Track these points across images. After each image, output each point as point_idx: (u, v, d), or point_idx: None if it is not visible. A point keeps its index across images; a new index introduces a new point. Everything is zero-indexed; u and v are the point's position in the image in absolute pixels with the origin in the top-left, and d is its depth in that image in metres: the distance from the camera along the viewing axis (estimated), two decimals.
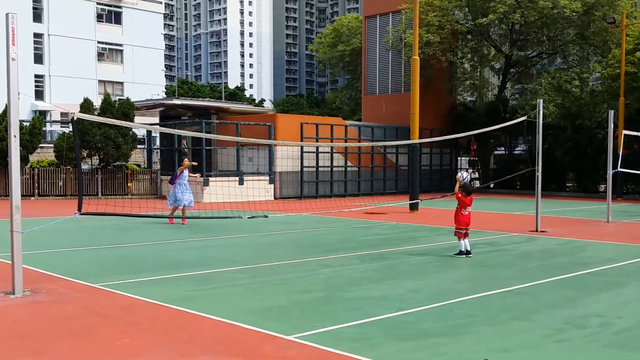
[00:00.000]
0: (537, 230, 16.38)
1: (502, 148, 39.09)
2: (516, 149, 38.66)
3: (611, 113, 19.53)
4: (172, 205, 18.00)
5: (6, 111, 8.30)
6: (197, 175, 20.11)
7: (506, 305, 8.09)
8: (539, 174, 16.70)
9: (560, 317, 7.46)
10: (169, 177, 28.63)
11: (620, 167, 20.66)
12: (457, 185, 12.16)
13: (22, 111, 48.28)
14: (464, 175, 12.18)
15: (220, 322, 7.04)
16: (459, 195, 12.06)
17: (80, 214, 8.91)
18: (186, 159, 18.85)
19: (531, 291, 8.96)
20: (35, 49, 56.02)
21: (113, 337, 6.44)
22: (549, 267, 11.11)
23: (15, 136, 8.08)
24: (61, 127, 50.16)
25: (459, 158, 39.35)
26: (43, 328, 6.81)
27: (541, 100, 17.03)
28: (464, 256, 11.87)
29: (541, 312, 7.69)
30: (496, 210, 24.11)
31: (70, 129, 29.20)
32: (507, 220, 20.14)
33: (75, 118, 8.58)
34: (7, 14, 7.96)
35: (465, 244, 11.99)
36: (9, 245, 8.38)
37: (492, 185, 36.33)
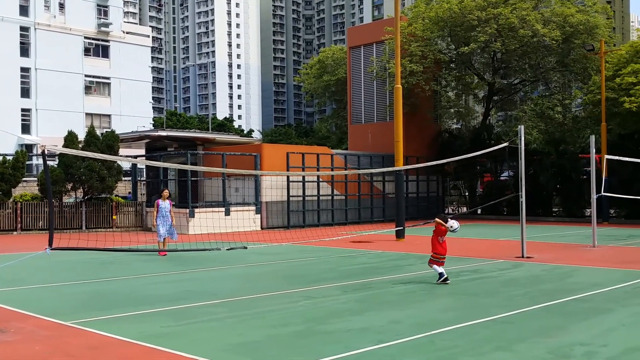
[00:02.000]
0: (523, 256, 16.23)
1: (488, 174, 39.15)
2: (502, 175, 38.73)
3: (592, 138, 19.56)
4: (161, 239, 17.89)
5: None
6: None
7: (489, 335, 7.89)
8: (523, 199, 16.60)
9: (545, 346, 7.26)
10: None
11: (604, 192, 20.62)
12: (438, 220, 12.13)
13: (8, 145, 48.06)
14: (454, 226, 12.04)
15: (194, 359, 6.80)
16: (440, 225, 12.02)
17: (51, 249, 8.67)
18: (165, 190, 18.71)
19: (516, 320, 8.78)
20: (22, 82, 55.96)
21: None
22: (535, 294, 10.93)
23: None
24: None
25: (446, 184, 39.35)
26: None
27: (522, 127, 17.01)
28: (448, 281, 11.84)
29: (525, 342, 7.49)
30: (482, 236, 23.97)
31: (56, 163, 28.96)
32: (492, 247, 19.99)
33: (44, 150, 8.39)
34: None
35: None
36: None
37: (479, 212, 36.28)
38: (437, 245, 12.03)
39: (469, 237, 23.44)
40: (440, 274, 11.90)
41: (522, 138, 16.71)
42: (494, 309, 9.45)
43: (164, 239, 17.73)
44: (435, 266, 12.01)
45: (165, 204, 17.89)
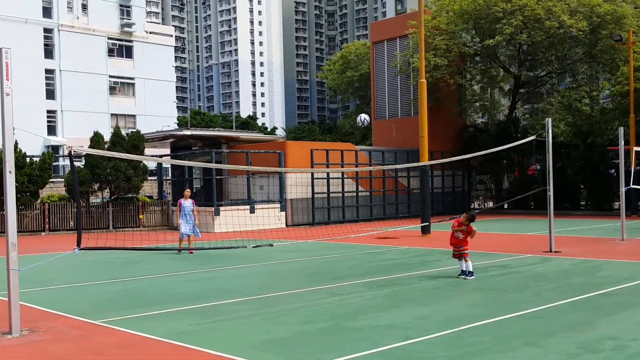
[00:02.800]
0: (551, 251, 16.05)
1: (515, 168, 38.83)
2: (529, 167, 38.33)
3: (621, 130, 19.26)
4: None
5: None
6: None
7: (518, 330, 7.82)
8: (551, 193, 16.41)
9: (574, 341, 7.18)
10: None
11: (633, 184, 20.30)
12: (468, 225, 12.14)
13: (34, 147, 48.66)
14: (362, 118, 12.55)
15: (222, 357, 6.82)
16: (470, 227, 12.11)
17: (80, 249, 8.76)
18: (187, 189, 18.79)
19: (544, 315, 8.68)
20: (47, 84, 56.65)
21: None
22: (563, 288, 10.81)
23: (10, 172, 7.93)
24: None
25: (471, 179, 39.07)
26: None
27: (550, 119, 16.80)
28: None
29: (554, 337, 7.41)
30: (509, 231, 23.75)
31: (82, 163, 29.29)
32: (520, 241, 19.79)
33: (71, 151, 8.47)
34: (0, 49, 7.91)
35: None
36: (6, 283, 8.21)
37: (506, 206, 35.96)
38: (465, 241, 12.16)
39: (496, 232, 23.26)
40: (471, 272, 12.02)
41: (550, 131, 16.52)
42: (522, 304, 9.36)
43: (188, 237, 17.82)
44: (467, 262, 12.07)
45: (187, 203, 17.96)
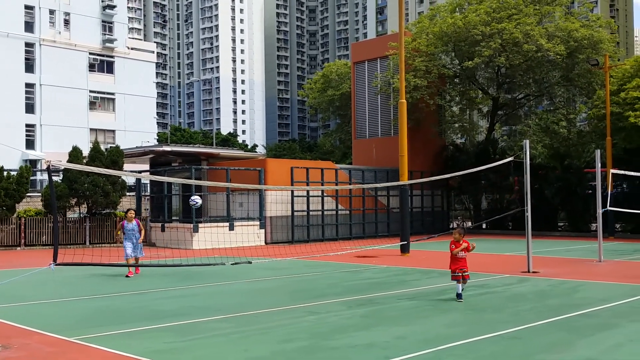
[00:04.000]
0: (529, 271, 16.13)
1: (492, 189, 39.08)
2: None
3: (598, 153, 19.51)
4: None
5: None
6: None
7: (496, 350, 7.83)
8: (529, 214, 16.53)
9: None
10: (160, 225, 28.57)
11: (610, 206, 20.52)
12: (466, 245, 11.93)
13: (12, 160, 48.12)
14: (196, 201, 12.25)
15: None
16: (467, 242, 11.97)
17: (56, 265, 8.65)
18: (131, 210, 17.55)
19: (523, 335, 8.70)
20: (27, 98, 56.25)
21: None
22: (541, 309, 10.85)
23: None
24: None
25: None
26: None
27: (527, 141, 16.97)
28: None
29: (532, 358, 7.43)
30: (487, 251, 23.83)
31: (60, 178, 28.99)
32: (498, 261, 19.88)
33: (49, 166, 8.38)
34: None
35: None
36: None
37: (484, 226, 36.16)
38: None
39: (474, 252, 23.28)
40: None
41: (528, 152, 16.67)
42: (500, 325, 9.38)
43: (136, 258, 16.82)
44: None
45: (130, 225, 16.79)
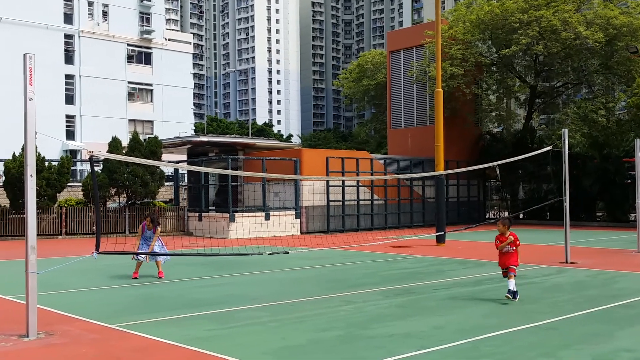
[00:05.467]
0: (566, 262, 15.98)
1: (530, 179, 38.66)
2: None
3: (637, 141, 19.15)
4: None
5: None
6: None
7: (534, 341, 7.79)
8: (567, 203, 16.35)
9: (589, 353, 7.16)
10: (197, 215, 28.91)
11: None
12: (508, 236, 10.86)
13: (52, 151, 49.07)
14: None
15: None
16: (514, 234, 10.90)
17: (98, 253, 8.86)
18: (148, 219, 14.68)
19: (560, 326, 8.66)
20: (67, 89, 57.27)
21: None
22: (579, 300, 10.77)
23: (31, 175, 8.04)
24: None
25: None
26: None
27: (566, 130, 16.75)
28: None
29: (570, 349, 7.39)
30: (525, 241, 23.45)
31: (100, 168, 29.53)
32: (535, 252, 19.68)
33: (92, 156, 8.58)
34: (24, 55, 8.04)
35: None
36: (24, 286, 8.30)
37: (521, 216, 35.79)
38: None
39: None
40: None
41: (567, 141, 16.46)
42: (538, 315, 9.34)
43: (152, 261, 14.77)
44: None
45: (149, 232, 14.45)
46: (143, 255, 14.08)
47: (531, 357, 7.01)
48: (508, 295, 10.53)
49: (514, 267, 10.68)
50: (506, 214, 38.48)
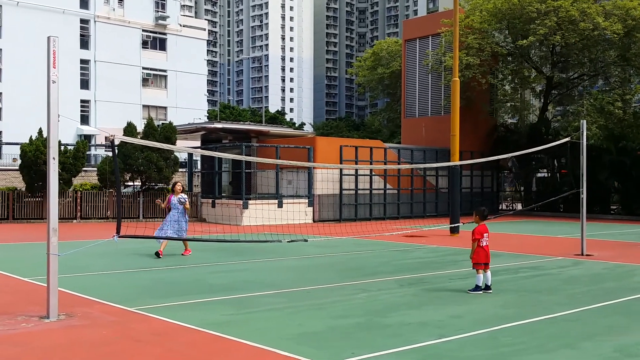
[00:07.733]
0: (582, 254, 15.90)
1: (545, 170, 38.45)
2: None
3: None
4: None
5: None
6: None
7: (554, 332, 7.76)
8: (584, 196, 16.25)
9: (611, 345, 7.12)
10: (210, 201, 28.99)
11: None
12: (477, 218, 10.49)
13: (67, 135, 49.39)
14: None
15: (257, 348, 6.89)
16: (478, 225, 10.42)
17: (119, 237, 8.89)
18: (178, 183, 15.58)
19: (579, 317, 8.62)
20: (82, 74, 57.48)
21: None
22: (597, 292, 10.71)
23: (54, 158, 8.06)
24: (105, 150, 51.10)
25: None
26: (76, 354, 6.75)
27: (584, 121, 16.63)
28: (482, 292, 10.32)
29: (591, 340, 7.36)
30: (540, 233, 23.55)
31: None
32: (551, 243, 19.61)
33: (114, 140, 8.58)
34: (48, 37, 8.05)
35: (486, 277, 10.40)
36: (45, 268, 8.35)
37: (535, 208, 35.63)
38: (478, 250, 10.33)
39: (526, 234, 23.12)
40: (477, 286, 10.36)
41: (584, 133, 16.34)
42: (556, 307, 9.29)
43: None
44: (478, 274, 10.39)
45: (174, 200, 15.17)
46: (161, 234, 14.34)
47: (553, 348, 6.98)
48: (478, 291, 10.28)
49: (477, 263, 10.31)
50: (519, 206, 38.34)
